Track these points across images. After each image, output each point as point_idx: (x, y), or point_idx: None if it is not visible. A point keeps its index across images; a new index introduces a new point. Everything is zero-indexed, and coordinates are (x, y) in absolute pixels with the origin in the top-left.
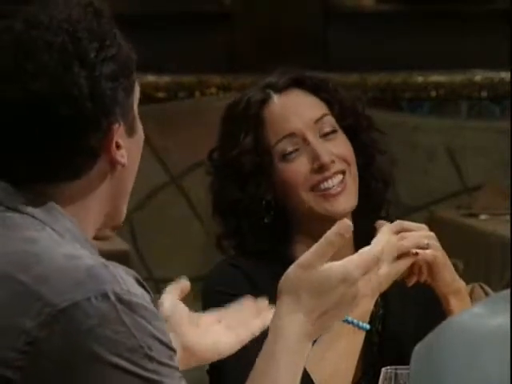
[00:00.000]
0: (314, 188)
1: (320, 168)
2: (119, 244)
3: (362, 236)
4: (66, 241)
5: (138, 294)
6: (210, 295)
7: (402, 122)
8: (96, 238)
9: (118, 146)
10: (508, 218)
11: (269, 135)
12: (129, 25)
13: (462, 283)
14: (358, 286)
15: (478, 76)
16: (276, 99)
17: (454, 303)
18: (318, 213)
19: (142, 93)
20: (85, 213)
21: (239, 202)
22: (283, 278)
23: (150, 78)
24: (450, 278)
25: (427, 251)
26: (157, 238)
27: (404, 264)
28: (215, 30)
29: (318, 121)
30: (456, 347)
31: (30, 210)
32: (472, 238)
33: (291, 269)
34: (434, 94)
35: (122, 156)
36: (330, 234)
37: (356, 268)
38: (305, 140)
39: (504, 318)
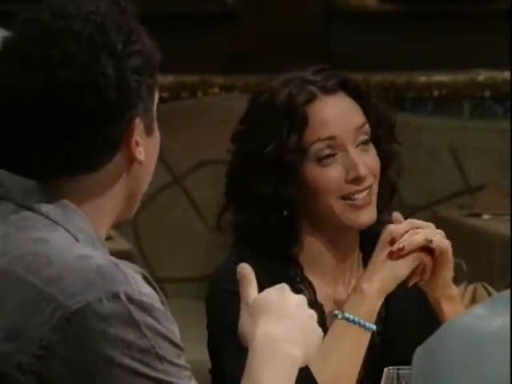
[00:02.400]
0: (345, 197)
1: (355, 180)
2: (122, 244)
3: (368, 238)
4: (79, 242)
5: (149, 294)
6: (214, 294)
7: (404, 122)
8: None
9: (137, 143)
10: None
11: (309, 134)
12: None
13: (455, 289)
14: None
15: (481, 76)
16: (322, 100)
17: (446, 308)
18: (342, 222)
19: None
20: (99, 211)
21: (265, 196)
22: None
23: None
24: (448, 280)
25: (443, 240)
26: (160, 238)
27: (412, 263)
28: (218, 30)
29: (359, 128)
30: (457, 349)
31: (44, 209)
32: (474, 237)
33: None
34: (436, 93)
35: (140, 153)
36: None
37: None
38: (343, 147)
39: (505, 320)
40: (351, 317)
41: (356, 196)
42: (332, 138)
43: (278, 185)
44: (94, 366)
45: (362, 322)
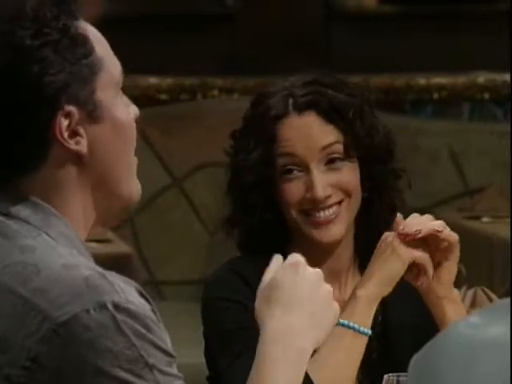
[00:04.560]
0: (305, 213)
1: (311, 200)
2: (122, 247)
3: (362, 245)
4: (62, 246)
5: (137, 302)
6: (209, 302)
7: (404, 125)
8: (98, 240)
9: (76, 134)
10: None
11: (276, 149)
12: (131, 26)
13: (456, 291)
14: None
15: (481, 78)
16: (292, 118)
17: (449, 308)
18: (306, 235)
19: (145, 95)
20: (70, 205)
21: (242, 201)
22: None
23: (152, 80)
24: (452, 279)
25: (452, 232)
26: (159, 241)
27: (405, 262)
28: (217, 32)
29: (325, 147)
30: (452, 357)
31: (22, 214)
32: (474, 240)
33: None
34: (436, 96)
35: (77, 143)
36: None
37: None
38: (306, 166)
39: (501, 328)
40: (346, 322)
41: (316, 213)
42: (293, 155)
43: (253, 192)
44: (82, 378)
45: (356, 326)
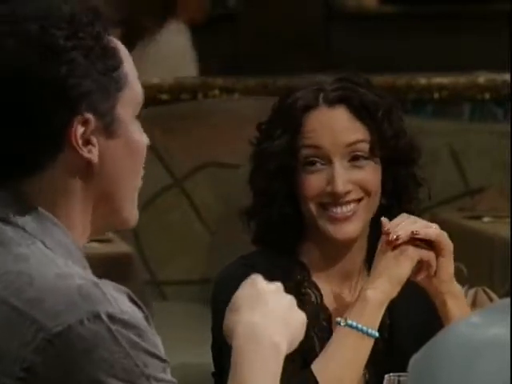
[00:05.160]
0: (324, 207)
1: (331, 194)
2: (122, 247)
3: (375, 249)
4: (57, 256)
5: (130, 312)
6: (219, 298)
7: (405, 124)
8: (99, 240)
9: (88, 142)
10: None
11: (301, 139)
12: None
13: (458, 286)
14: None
15: (482, 78)
16: (321, 110)
17: (451, 304)
18: (321, 231)
19: (146, 95)
20: (69, 212)
21: (262, 192)
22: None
23: (154, 79)
24: (451, 274)
25: (432, 230)
26: (160, 241)
27: (412, 262)
28: (218, 32)
29: (351, 144)
30: (452, 357)
31: (20, 221)
32: (475, 240)
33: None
34: (437, 95)
35: (89, 151)
36: None
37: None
38: (329, 159)
39: (500, 328)
40: (354, 323)
41: (333, 209)
42: (318, 147)
43: (275, 182)
44: None
45: (364, 328)
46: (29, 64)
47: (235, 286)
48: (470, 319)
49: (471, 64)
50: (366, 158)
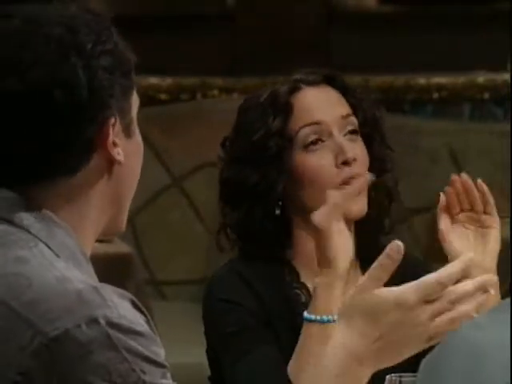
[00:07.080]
0: (344, 183)
1: (344, 163)
2: (122, 247)
3: (364, 248)
4: (59, 259)
5: (129, 316)
6: (211, 303)
7: (404, 124)
8: (99, 240)
9: (115, 144)
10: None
11: (295, 121)
12: (130, 26)
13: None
14: (432, 322)
15: (481, 78)
16: (306, 90)
17: None
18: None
19: (145, 95)
20: (82, 219)
21: (256, 187)
22: (342, 304)
23: (153, 79)
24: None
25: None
26: (159, 241)
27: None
28: (217, 32)
29: (345, 117)
30: (458, 359)
31: (25, 222)
32: None
33: (348, 294)
34: (436, 95)
35: (118, 153)
36: (382, 257)
37: (413, 293)
38: (330, 133)
39: (505, 329)
40: (312, 317)
41: (353, 181)
42: (317, 123)
43: (276, 174)
44: None
45: (318, 318)
46: (60, 70)
47: (223, 292)
48: (474, 321)
49: (471, 64)
50: (356, 133)
